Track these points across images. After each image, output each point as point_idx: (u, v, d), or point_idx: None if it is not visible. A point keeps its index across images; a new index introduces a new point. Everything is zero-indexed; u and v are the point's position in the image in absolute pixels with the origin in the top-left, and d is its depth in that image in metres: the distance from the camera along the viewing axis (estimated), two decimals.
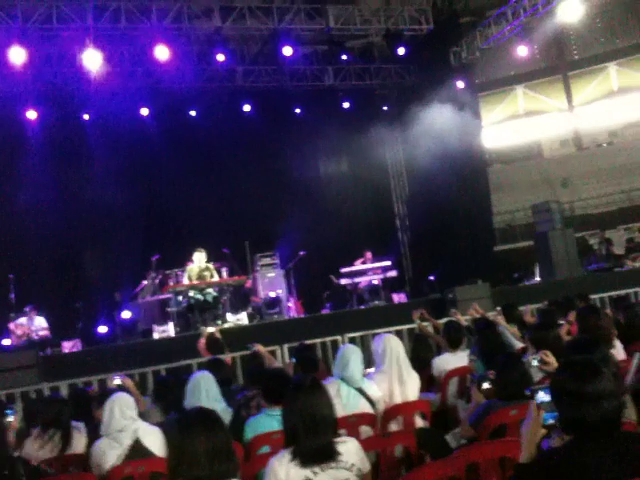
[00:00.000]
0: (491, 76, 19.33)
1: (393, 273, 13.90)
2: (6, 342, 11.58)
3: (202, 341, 8.00)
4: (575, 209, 18.37)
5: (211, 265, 11.61)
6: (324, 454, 3.08)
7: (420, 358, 6.09)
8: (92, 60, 12.49)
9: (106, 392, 5.10)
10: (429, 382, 5.81)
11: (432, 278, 14.97)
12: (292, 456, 3.06)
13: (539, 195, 15.64)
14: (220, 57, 14.13)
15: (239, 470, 2.96)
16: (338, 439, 3.16)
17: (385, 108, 17.39)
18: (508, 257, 16.44)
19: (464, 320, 7.75)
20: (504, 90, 20.46)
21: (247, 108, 16.07)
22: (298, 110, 16.66)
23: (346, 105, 16.94)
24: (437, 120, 14.91)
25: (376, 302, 13.28)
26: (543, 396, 2.61)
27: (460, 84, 15.88)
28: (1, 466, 4.01)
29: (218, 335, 8.11)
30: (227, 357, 7.33)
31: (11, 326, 11.34)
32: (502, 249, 17.08)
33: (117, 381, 6.03)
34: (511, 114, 20.72)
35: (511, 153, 20.29)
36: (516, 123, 20.73)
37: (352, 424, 4.37)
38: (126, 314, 12.92)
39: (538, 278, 13.32)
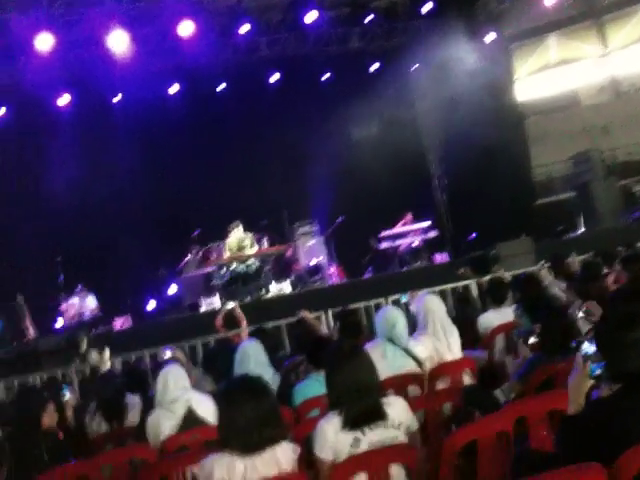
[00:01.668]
0: (521, 26, 18.70)
1: (434, 234, 13.82)
2: (59, 323, 11.95)
3: (220, 317, 8.03)
4: (617, 157, 17.82)
5: (250, 235, 11.71)
6: (371, 415, 3.11)
7: (465, 316, 6.09)
8: (118, 42, 12.52)
9: (159, 364, 5.23)
10: (475, 340, 5.81)
11: (474, 236, 14.85)
12: (340, 420, 3.11)
13: (579, 145, 15.17)
14: (243, 28, 14.03)
15: (288, 434, 3.04)
16: (384, 400, 3.20)
17: (415, 67, 17.07)
18: (550, 210, 16.11)
19: (508, 276, 7.70)
20: (536, 40, 19.82)
21: (274, 78, 15.97)
22: (326, 76, 16.48)
23: (374, 67, 16.68)
24: (468, 75, 14.60)
25: (418, 263, 13.26)
26: (589, 347, 2.60)
27: (490, 37, 15.49)
28: (25, 441, 4.20)
29: (238, 310, 8.07)
30: (244, 331, 7.37)
31: (62, 307, 11.68)
32: (543, 202, 16.74)
33: (168, 354, 6.18)
34: (545, 64, 20.09)
35: (547, 104, 19.72)
36: (551, 73, 20.09)
37: (399, 384, 4.40)
38: (172, 289, 13.19)
39: (582, 229, 13.09)
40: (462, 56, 14.79)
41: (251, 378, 3.08)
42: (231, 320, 7.83)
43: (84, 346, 8.24)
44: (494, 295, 5.98)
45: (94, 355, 7.87)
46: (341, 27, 15.84)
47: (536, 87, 19.65)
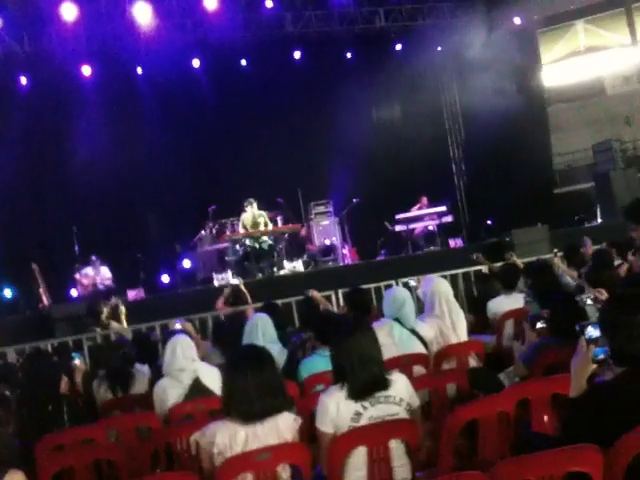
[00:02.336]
0: (549, 12, 18.44)
1: (449, 218, 13.74)
2: (73, 292, 12.09)
3: (221, 297, 8.02)
4: (638, 147, 17.63)
5: (264, 212, 11.75)
6: (375, 384, 3.14)
7: (482, 299, 6.08)
8: (142, 13, 12.54)
9: (168, 335, 5.28)
10: (485, 324, 5.81)
11: (490, 222, 14.76)
12: (343, 390, 3.13)
13: (601, 134, 15.01)
14: (268, 4, 13.95)
15: (293, 406, 3.07)
16: (387, 374, 3.22)
17: (439, 49, 16.88)
18: (569, 199, 15.98)
19: (521, 263, 7.66)
20: (564, 26, 19.55)
21: (297, 55, 15.86)
22: (349, 55, 16.36)
23: (398, 47, 16.53)
24: (493, 59, 14.41)
25: (432, 248, 13.21)
26: (592, 331, 2.60)
27: (517, 21, 15.28)
28: (46, 403, 4.28)
29: (242, 288, 8.04)
30: (249, 308, 7.39)
31: (77, 276, 11.77)
32: (563, 191, 16.61)
33: (178, 325, 6.25)
34: (572, 51, 19.82)
35: (572, 91, 19.48)
36: (577, 60, 19.82)
37: (405, 364, 4.41)
38: (186, 263, 13.27)
39: (600, 220, 12.96)
40: (487, 40, 14.60)
41: (255, 348, 3.11)
42: (235, 297, 7.85)
43: (105, 315, 8.33)
44: (505, 280, 5.97)
45: (114, 324, 8.01)
46: (366, 6, 15.69)
47: (561, 74, 19.38)
